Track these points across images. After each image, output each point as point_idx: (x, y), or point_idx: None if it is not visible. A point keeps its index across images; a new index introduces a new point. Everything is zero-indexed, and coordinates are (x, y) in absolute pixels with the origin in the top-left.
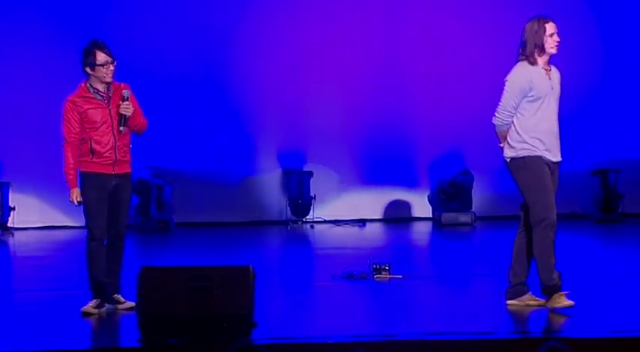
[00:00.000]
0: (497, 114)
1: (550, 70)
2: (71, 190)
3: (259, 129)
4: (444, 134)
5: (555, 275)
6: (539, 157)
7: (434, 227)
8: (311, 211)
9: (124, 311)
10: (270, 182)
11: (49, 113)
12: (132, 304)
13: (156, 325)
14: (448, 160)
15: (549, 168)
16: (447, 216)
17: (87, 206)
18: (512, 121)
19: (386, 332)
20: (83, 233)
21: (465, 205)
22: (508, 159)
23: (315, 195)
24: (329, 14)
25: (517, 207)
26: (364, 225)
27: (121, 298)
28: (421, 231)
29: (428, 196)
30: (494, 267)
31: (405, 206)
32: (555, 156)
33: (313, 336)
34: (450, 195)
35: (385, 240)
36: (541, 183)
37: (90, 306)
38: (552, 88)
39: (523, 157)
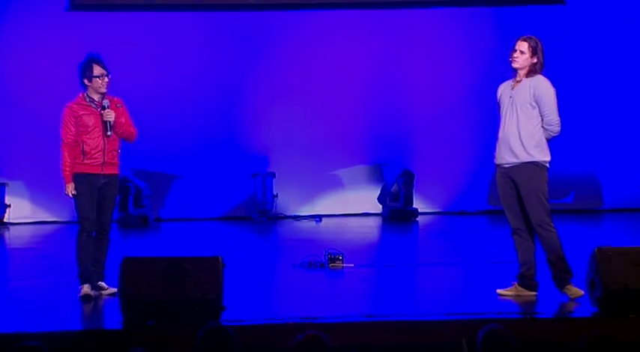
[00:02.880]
0: None
1: (520, 81)
2: (67, 185)
3: (230, 136)
4: (390, 138)
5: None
6: (496, 164)
7: (382, 222)
8: (273, 208)
9: (108, 297)
10: (238, 182)
11: (40, 122)
12: (114, 290)
13: (136, 309)
14: (394, 161)
15: (504, 174)
16: (393, 212)
17: (78, 202)
18: None
19: (337, 314)
20: (69, 227)
21: (408, 202)
22: None
23: (277, 194)
24: (301, 28)
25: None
26: (320, 220)
27: (105, 285)
28: (371, 226)
29: (377, 197)
30: (434, 257)
31: (357, 203)
32: (503, 159)
33: (274, 318)
34: (393, 195)
35: (339, 233)
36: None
37: (86, 289)
38: (510, 97)
39: None
